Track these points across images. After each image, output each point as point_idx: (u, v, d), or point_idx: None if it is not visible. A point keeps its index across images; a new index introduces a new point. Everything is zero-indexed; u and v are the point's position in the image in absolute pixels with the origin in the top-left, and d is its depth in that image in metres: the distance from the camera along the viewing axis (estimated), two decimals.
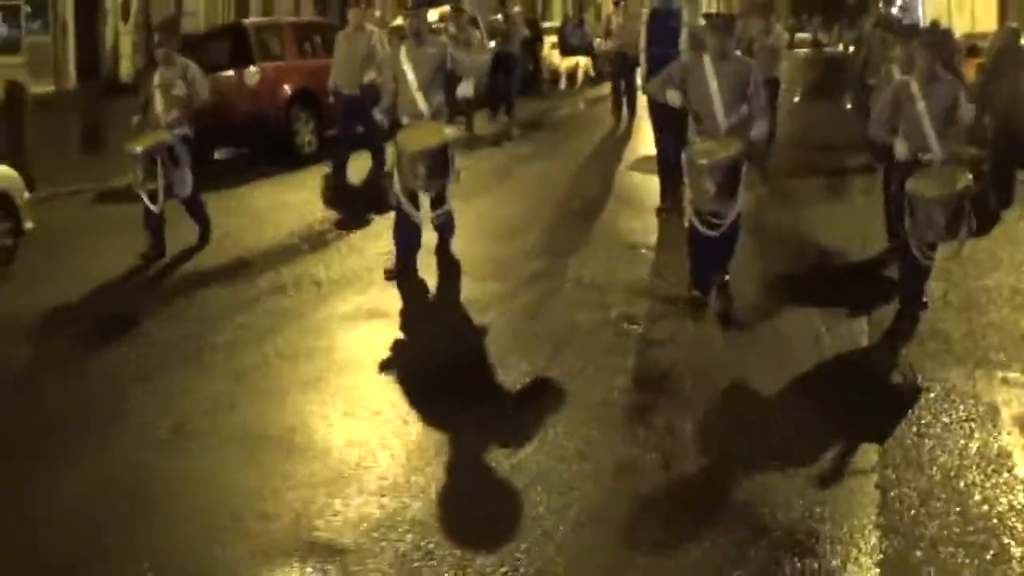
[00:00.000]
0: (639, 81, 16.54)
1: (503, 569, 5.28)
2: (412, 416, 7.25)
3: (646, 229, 12.65)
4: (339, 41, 15.39)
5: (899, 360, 8.37)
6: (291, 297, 9.98)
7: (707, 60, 9.20)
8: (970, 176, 8.88)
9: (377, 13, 21.81)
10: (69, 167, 16.38)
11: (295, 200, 14.50)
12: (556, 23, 34.40)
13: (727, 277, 9.48)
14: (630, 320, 9.25)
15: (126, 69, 30.25)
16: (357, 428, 7.06)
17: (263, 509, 5.91)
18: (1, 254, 11.08)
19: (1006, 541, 5.68)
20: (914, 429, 7.10)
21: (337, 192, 15.14)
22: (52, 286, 10.37)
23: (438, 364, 8.27)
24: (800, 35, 75.26)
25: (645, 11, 13.77)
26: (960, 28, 30.59)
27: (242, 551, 5.50)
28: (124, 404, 7.49)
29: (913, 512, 5.97)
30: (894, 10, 59.10)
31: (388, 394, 7.65)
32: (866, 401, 7.59)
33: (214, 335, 8.86)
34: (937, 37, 9.44)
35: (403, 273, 10.23)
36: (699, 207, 9.02)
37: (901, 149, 8.92)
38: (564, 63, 31.28)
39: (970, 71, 17.17)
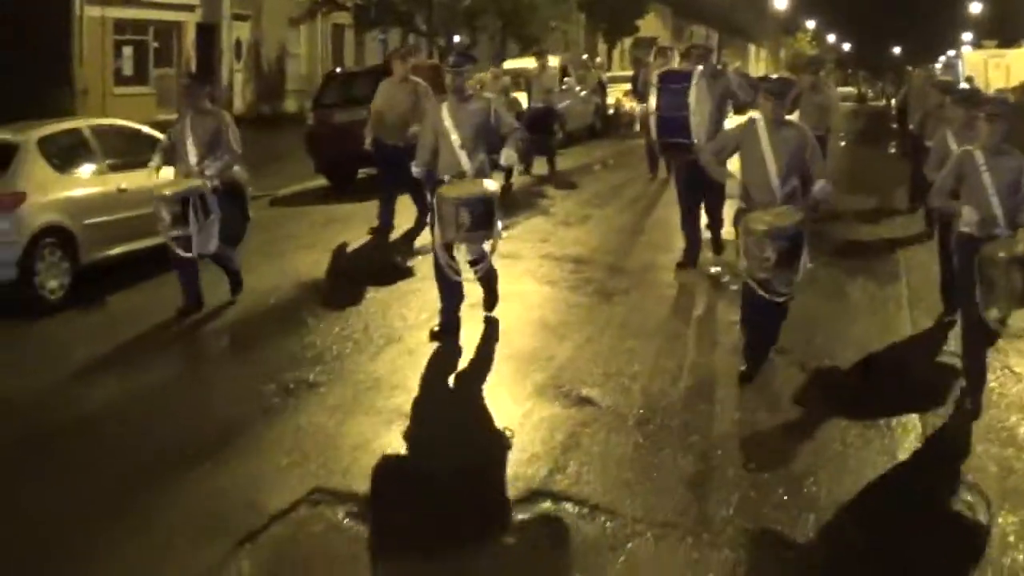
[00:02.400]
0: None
1: None
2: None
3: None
4: (382, 91, 14.66)
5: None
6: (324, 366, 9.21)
7: (761, 127, 8.76)
8: None
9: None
10: None
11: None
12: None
13: (772, 357, 9.05)
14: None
15: (239, 102, 33.59)
16: None
17: None
18: None
19: None
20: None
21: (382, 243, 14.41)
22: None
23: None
24: (842, 89, 77.22)
25: (655, 74, 13.08)
26: (995, 84, 32.64)
27: None
28: None
29: None
30: (937, 66, 60.93)
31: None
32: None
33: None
34: (1003, 108, 8.65)
35: (447, 331, 9.81)
36: (755, 275, 8.46)
37: (969, 217, 8.17)
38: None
39: None
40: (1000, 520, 6.39)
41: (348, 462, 7.24)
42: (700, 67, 12.14)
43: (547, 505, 6.57)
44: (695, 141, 11.54)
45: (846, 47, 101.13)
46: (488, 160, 9.92)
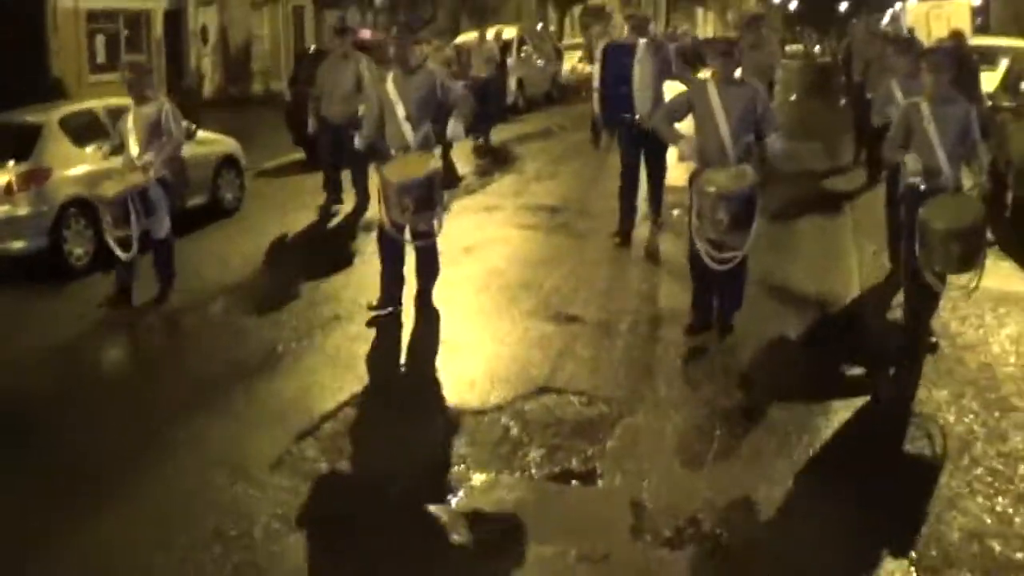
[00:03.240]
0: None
1: None
2: None
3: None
4: (324, 70, 14.83)
5: (911, 409, 7.63)
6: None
7: (711, 87, 8.80)
8: (983, 205, 8.40)
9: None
10: None
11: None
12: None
13: (732, 324, 9.09)
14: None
15: (208, 85, 34.58)
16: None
17: None
18: (233, 204, 15.20)
19: None
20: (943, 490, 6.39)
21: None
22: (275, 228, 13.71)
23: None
24: (791, 47, 78.31)
25: (600, 45, 13.28)
26: (937, 35, 33.72)
27: None
28: None
29: None
30: (884, 21, 61.54)
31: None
32: (878, 461, 6.86)
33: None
34: (945, 57, 8.70)
35: (385, 305, 9.78)
36: (707, 237, 8.55)
37: (912, 165, 8.30)
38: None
39: None
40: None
41: (386, 365, 8.69)
42: (643, 40, 12.21)
43: (552, 397, 7.80)
44: (637, 116, 11.85)
45: (793, 5, 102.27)
46: (434, 132, 9.85)
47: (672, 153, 11.25)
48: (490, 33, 25.12)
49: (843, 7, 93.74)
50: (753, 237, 8.56)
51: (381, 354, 9.04)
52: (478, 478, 6.55)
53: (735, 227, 8.39)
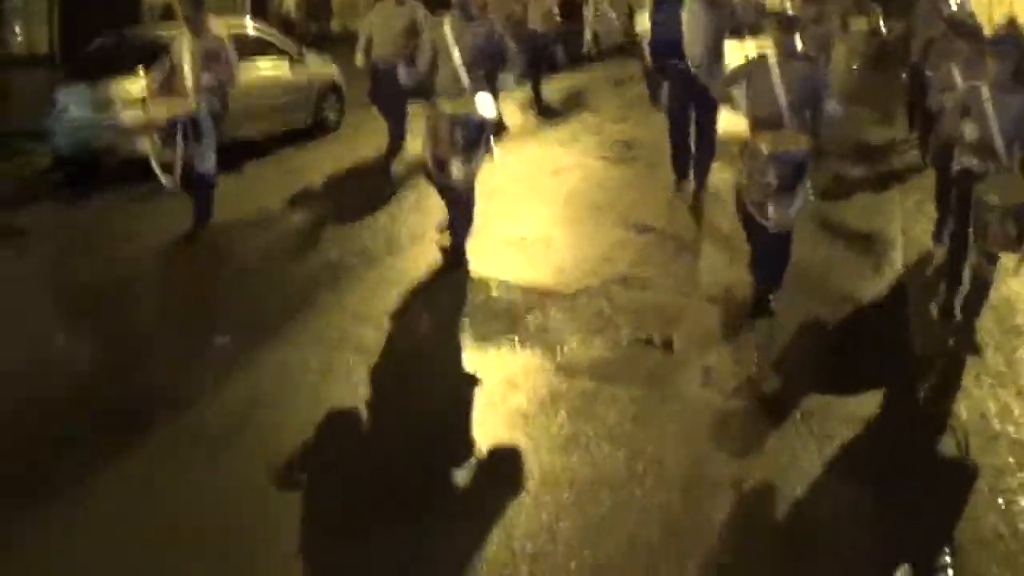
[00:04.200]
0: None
1: None
2: None
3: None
4: (376, 13, 14.31)
5: (954, 402, 7.27)
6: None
7: (772, 60, 8.65)
8: None
9: None
10: None
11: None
12: None
13: (772, 302, 8.71)
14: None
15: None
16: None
17: None
18: (334, 123, 16.60)
19: None
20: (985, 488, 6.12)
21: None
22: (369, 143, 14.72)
23: None
24: (855, 20, 78.00)
25: None
26: (997, 20, 34.21)
27: None
28: None
29: None
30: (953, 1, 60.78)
31: None
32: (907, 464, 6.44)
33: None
34: (1010, 47, 8.51)
35: (456, 258, 9.72)
36: (752, 199, 8.40)
37: (969, 157, 8.37)
38: None
39: None
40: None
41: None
42: None
43: (636, 287, 9.22)
44: (689, 63, 11.48)
45: None
46: (485, 82, 9.80)
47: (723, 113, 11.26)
48: None
49: None
50: (800, 205, 8.33)
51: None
52: (576, 339, 7.94)
53: (782, 191, 8.19)
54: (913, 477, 6.22)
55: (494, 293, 8.93)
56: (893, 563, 5.38)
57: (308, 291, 9.04)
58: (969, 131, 8.32)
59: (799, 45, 9.11)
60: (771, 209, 8.22)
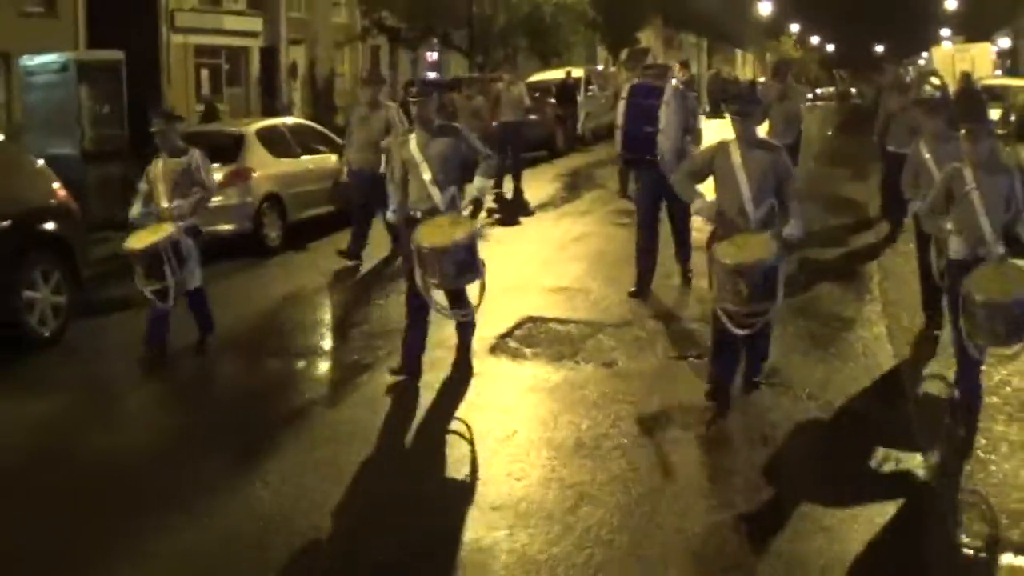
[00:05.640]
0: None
1: None
2: None
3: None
4: (354, 120, 14.87)
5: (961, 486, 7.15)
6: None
7: (733, 147, 8.44)
8: None
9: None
10: None
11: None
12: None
13: (759, 381, 8.92)
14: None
15: (296, 115, 38.29)
16: None
17: None
18: None
19: None
20: None
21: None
22: None
23: None
24: (820, 90, 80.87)
25: (626, 86, 12.54)
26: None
27: None
28: None
29: None
30: (921, 62, 62.79)
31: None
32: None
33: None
34: (987, 125, 8.45)
35: (407, 372, 9.45)
36: (727, 307, 8.16)
37: (956, 247, 8.20)
38: None
39: None
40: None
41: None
42: (672, 81, 12.11)
43: (663, 319, 11.20)
44: (659, 157, 11.53)
45: (830, 48, 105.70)
46: (459, 192, 9.44)
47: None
48: (564, 71, 28.16)
49: (879, 49, 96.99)
50: (777, 306, 8.32)
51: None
52: (624, 357, 10.01)
53: (755, 299, 8.06)
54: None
55: (554, 327, 10.98)
56: None
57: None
58: (955, 244, 8.19)
59: (761, 131, 9.25)
60: (744, 317, 8.18)
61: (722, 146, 8.62)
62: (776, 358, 9.43)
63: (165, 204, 10.27)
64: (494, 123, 21.63)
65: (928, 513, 6.82)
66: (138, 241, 10.09)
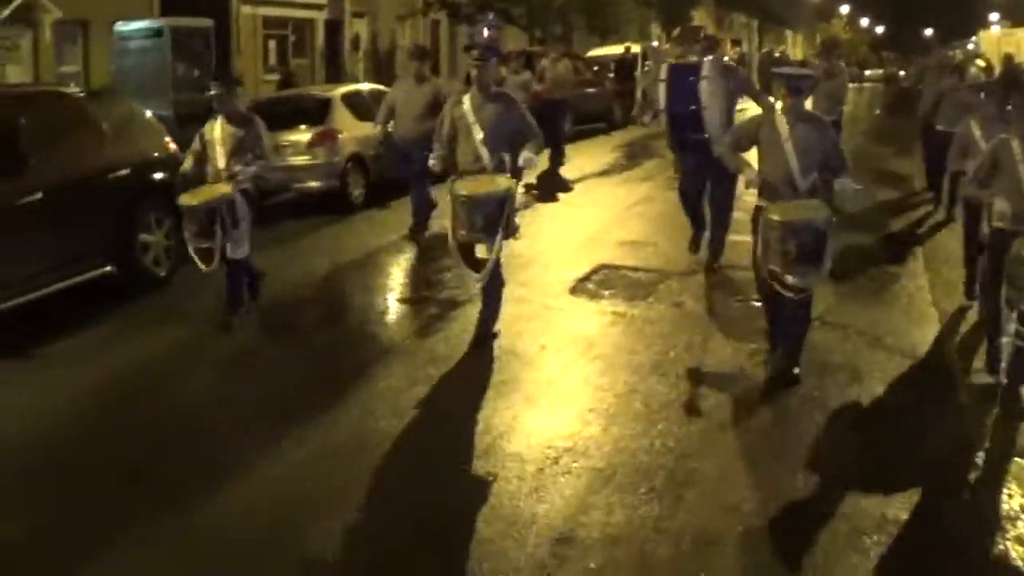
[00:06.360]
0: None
1: None
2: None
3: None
4: (397, 90, 14.91)
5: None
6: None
7: (780, 119, 8.40)
8: None
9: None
10: None
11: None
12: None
13: (797, 371, 8.52)
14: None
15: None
16: None
17: None
18: None
19: None
20: None
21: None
22: None
23: None
24: (869, 72, 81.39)
25: (664, 66, 12.36)
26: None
27: None
28: None
29: None
30: (970, 46, 63.11)
31: None
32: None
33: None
34: None
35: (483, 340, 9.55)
36: (770, 267, 8.04)
37: (1002, 209, 8.07)
38: None
39: None
40: None
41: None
42: (708, 58, 11.89)
43: (728, 269, 12.14)
44: (707, 136, 11.39)
45: (879, 30, 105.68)
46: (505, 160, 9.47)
47: (740, 186, 11.35)
48: (600, 50, 29.08)
49: (928, 32, 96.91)
50: (824, 274, 8.14)
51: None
52: (691, 299, 11.10)
53: (803, 259, 7.87)
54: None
55: (626, 273, 12.09)
56: None
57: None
58: (1000, 203, 8.14)
59: (808, 104, 9.25)
60: (791, 279, 7.95)
61: (768, 117, 8.73)
62: (830, 303, 10.35)
63: (222, 165, 10.24)
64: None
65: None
66: (194, 198, 10.02)
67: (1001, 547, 6.00)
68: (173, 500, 6.68)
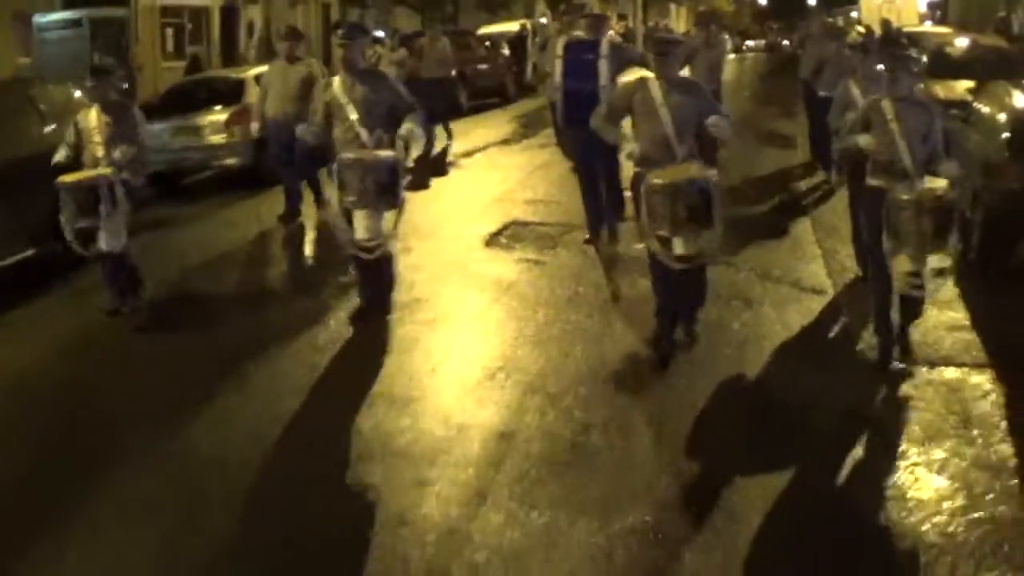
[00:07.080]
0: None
1: None
2: None
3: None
4: (270, 73, 14.60)
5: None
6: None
7: (654, 85, 8.32)
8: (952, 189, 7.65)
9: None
10: None
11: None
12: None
13: (697, 329, 8.69)
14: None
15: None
16: None
17: None
18: None
19: None
20: None
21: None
22: None
23: None
24: (752, 42, 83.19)
25: (560, 42, 12.36)
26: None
27: None
28: None
29: None
30: (853, 14, 64.55)
31: None
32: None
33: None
34: (914, 60, 8.14)
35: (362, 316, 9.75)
36: (658, 233, 7.85)
37: (866, 142, 8.07)
38: None
39: None
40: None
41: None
42: (610, 34, 11.77)
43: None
44: None
45: (763, 1, 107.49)
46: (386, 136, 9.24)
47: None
48: (519, 23, 29.86)
49: (812, 2, 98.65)
50: (716, 236, 7.89)
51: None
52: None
53: (692, 221, 7.71)
54: None
55: (534, 227, 13.16)
56: None
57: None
58: (864, 139, 8.11)
59: (683, 71, 9.37)
60: (677, 243, 7.79)
61: (641, 82, 8.54)
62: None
63: (100, 154, 9.93)
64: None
65: None
66: (73, 177, 9.74)
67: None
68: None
